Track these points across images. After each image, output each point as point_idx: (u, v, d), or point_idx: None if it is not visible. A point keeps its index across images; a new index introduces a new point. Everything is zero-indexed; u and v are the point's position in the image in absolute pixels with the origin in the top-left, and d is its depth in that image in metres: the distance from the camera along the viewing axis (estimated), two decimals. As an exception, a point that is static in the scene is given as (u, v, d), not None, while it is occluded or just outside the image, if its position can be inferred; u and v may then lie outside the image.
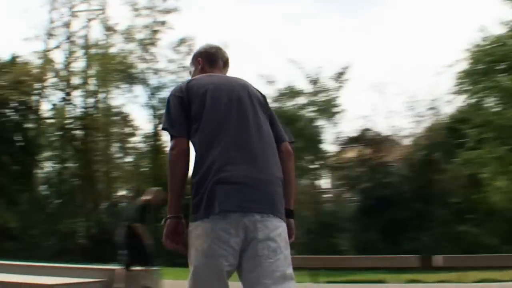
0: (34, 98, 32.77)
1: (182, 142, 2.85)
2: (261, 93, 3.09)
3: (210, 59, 3.20)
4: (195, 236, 2.73)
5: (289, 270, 2.78)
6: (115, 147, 34.65)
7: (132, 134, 34.22)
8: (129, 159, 34.31)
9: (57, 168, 34.79)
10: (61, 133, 32.39)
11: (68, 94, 31.94)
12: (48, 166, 35.84)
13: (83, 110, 31.61)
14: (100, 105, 32.39)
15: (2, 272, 11.63)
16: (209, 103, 2.89)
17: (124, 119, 33.83)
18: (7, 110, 31.58)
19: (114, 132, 33.37)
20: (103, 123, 31.27)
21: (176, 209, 2.84)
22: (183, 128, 2.87)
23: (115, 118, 33.08)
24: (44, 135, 33.71)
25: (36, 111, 32.85)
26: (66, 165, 34.39)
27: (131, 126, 33.97)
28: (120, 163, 34.51)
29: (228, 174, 2.71)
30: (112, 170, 33.51)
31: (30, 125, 32.72)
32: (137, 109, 53.42)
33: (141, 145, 33.23)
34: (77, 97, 32.09)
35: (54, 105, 33.12)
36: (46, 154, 34.74)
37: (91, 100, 31.87)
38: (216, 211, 2.67)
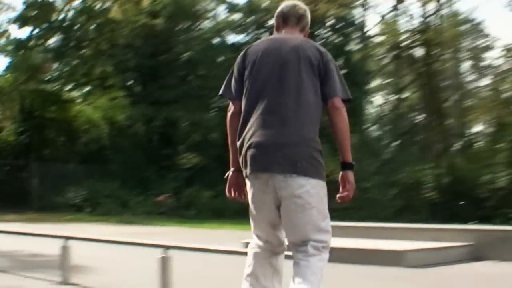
0: (356, 11, 33.97)
1: (236, 104, 4.29)
2: (319, 51, 4.21)
3: (284, 17, 4.50)
4: (247, 189, 4.23)
5: (323, 224, 4.09)
6: (467, 67, 34.51)
7: (489, 48, 33.64)
8: (486, 81, 33.85)
9: (391, 101, 36.20)
10: (394, 53, 33.31)
11: (399, 1, 32.37)
12: (379, 99, 37.46)
13: (421, 20, 31.85)
14: (444, 12, 32.45)
15: (336, 236, 12.76)
16: (256, 69, 4.20)
17: (477, 29, 33.38)
18: (323, 31, 33.52)
19: (465, 47, 33.15)
20: (449, 36, 31.26)
21: (234, 163, 4.31)
22: (238, 92, 4.28)
23: (464, 27, 32.79)
24: (372, 59, 35.13)
25: (360, 28, 34.22)
26: (403, 95, 35.43)
27: (487, 36, 33.39)
28: (474, 88, 34.26)
29: (258, 139, 4.04)
30: (465, 98, 33.56)
31: (353, 47, 34.46)
32: (494, 12, 52.02)
33: (501, 61, 32.58)
34: (412, 3, 32.37)
35: (382, 17, 34.10)
36: (377, 83, 36.32)
37: (431, 7, 31.89)
38: (249, 173, 4.10)
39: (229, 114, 4.33)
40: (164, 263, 6.73)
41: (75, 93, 37.22)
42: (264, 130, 4.04)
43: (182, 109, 31.08)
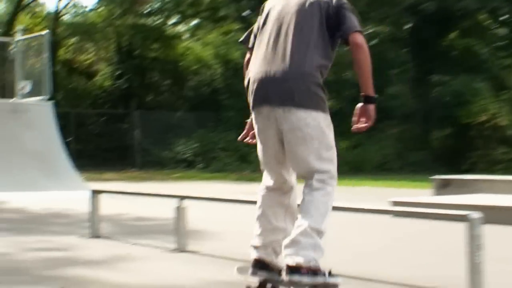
0: None
1: (251, 52, 5.36)
2: None
3: None
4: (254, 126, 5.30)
5: (326, 154, 5.00)
6: None
7: None
8: None
9: None
10: None
11: None
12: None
13: None
14: None
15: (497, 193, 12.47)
16: (267, 18, 5.25)
17: None
18: None
19: None
20: None
21: None
22: (254, 42, 5.36)
23: None
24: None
25: None
26: None
27: None
28: None
29: (259, 75, 5.07)
30: None
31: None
32: None
33: None
34: None
35: None
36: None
37: None
38: (252, 108, 5.16)
39: (245, 60, 5.50)
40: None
41: (181, 28, 37.65)
42: (265, 66, 5.07)
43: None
